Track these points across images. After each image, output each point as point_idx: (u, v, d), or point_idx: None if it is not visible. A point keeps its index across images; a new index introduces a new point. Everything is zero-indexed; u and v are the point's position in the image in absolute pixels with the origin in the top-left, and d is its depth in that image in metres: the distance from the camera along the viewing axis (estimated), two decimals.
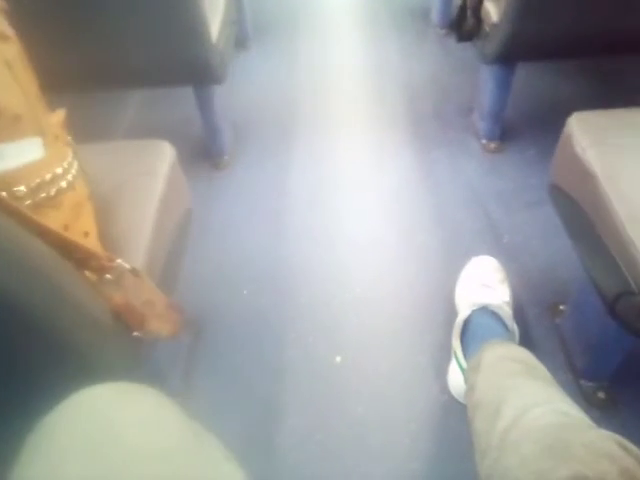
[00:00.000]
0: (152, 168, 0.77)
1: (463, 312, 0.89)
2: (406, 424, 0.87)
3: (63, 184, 0.60)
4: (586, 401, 0.87)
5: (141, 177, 0.75)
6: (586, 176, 0.70)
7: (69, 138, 0.67)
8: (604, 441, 0.44)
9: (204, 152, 1.41)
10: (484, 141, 1.36)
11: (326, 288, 1.08)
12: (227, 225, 1.24)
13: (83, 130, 0.80)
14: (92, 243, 0.63)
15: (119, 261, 0.58)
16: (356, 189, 1.30)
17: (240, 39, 1.84)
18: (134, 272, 0.59)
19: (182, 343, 0.99)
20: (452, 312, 0.98)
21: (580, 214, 0.73)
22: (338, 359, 0.97)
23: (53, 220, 0.58)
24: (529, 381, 0.64)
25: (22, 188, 0.54)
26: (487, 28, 1.17)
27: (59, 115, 0.66)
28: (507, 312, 0.88)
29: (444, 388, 0.91)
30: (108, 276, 0.59)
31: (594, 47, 1.13)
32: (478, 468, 0.56)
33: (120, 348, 0.62)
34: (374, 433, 0.87)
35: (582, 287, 0.84)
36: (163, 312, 0.60)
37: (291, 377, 0.95)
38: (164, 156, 0.79)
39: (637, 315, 0.63)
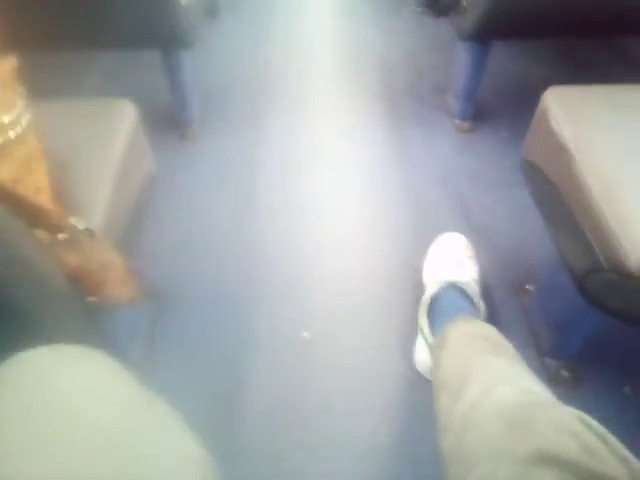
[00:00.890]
0: (113, 127, 0.72)
1: (431, 288, 0.89)
2: (372, 399, 0.86)
3: (10, 135, 0.55)
4: (550, 379, 0.88)
5: (101, 136, 0.71)
6: (560, 151, 0.69)
7: (21, 90, 0.62)
8: (566, 417, 0.43)
9: (172, 122, 1.35)
10: (457, 120, 1.36)
11: (295, 263, 1.06)
12: (195, 197, 1.20)
13: (45, 93, 0.75)
14: (45, 201, 0.58)
15: (72, 219, 0.54)
16: (328, 164, 1.28)
17: (211, 7, 1.78)
18: (89, 233, 0.55)
19: (145, 313, 0.96)
20: (420, 290, 0.97)
21: (553, 190, 0.73)
22: (306, 334, 0.95)
23: (1, 172, 0.54)
24: (495, 358, 0.63)
25: None
26: (465, 3, 1.15)
27: (9, 63, 0.61)
28: (474, 289, 0.87)
29: (411, 364, 0.90)
30: (61, 236, 0.55)
31: (570, 27, 1.12)
32: (440, 446, 0.55)
33: (74, 313, 0.58)
34: (339, 408, 0.85)
35: (551, 265, 0.84)
36: (121, 276, 0.57)
37: (257, 351, 0.93)
38: (125, 115, 0.75)
39: (607, 292, 0.63)
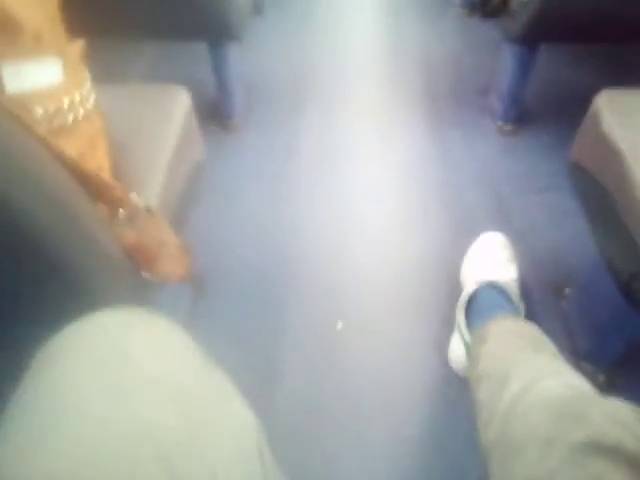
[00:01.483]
0: (168, 112, 0.75)
1: (470, 287, 0.89)
2: (403, 392, 0.87)
3: (80, 112, 0.58)
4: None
5: (157, 120, 0.74)
6: (611, 154, 0.69)
7: (87, 72, 0.65)
8: (618, 409, 0.43)
9: (216, 113, 1.38)
10: (500, 123, 1.35)
11: (331, 256, 1.07)
12: (234, 187, 1.22)
13: (96, 76, 0.78)
14: (107, 178, 0.61)
15: (133, 195, 0.56)
16: (367, 162, 1.29)
17: (257, 3, 1.81)
18: (148, 209, 0.57)
19: (185, 295, 0.98)
20: (457, 287, 0.97)
21: (601, 193, 0.72)
22: (340, 325, 0.96)
23: (69, 148, 0.57)
24: (536, 355, 0.63)
25: (40, 110, 0.52)
26: (514, 5, 1.14)
27: (78, 44, 0.63)
28: (514, 289, 0.87)
29: (444, 360, 0.90)
30: (122, 211, 0.57)
31: (619, 32, 1.11)
32: (481, 439, 0.56)
33: (128, 287, 0.60)
34: (371, 399, 0.86)
35: (592, 269, 0.83)
36: (175, 254, 0.59)
37: (291, 339, 0.94)
38: (180, 102, 0.78)
39: None
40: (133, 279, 0.60)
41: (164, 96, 0.79)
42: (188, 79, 1.46)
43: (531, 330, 0.72)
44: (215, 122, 1.38)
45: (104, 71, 1.11)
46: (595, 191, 0.74)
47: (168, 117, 0.75)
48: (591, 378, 0.86)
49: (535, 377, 0.54)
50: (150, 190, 0.66)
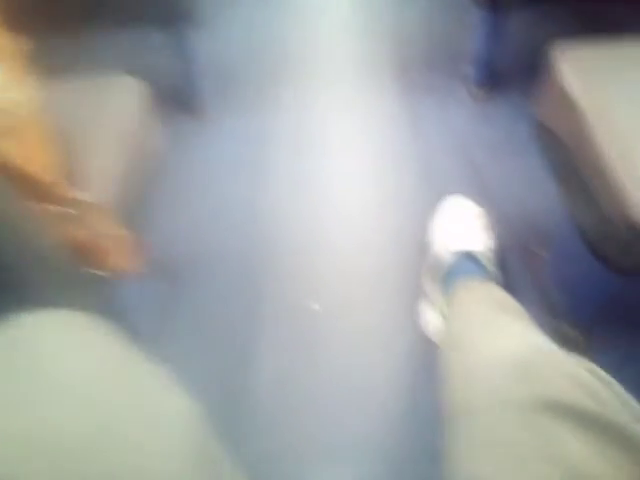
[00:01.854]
0: (121, 103, 0.73)
1: (444, 256, 0.88)
2: (381, 365, 0.87)
3: (22, 114, 0.56)
4: (564, 344, 0.86)
5: (110, 112, 0.72)
6: (571, 109, 0.67)
7: (31, 69, 0.63)
8: (573, 366, 0.43)
9: (184, 102, 1.36)
10: (473, 88, 1.32)
11: (305, 238, 1.06)
12: (206, 175, 1.20)
13: (55, 71, 0.76)
14: (52, 177, 0.60)
15: (80, 193, 0.55)
16: (340, 138, 1.27)
17: None
18: (94, 205, 0.56)
19: (157, 289, 0.98)
20: (433, 257, 0.96)
21: (565, 152, 0.71)
22: (316, 306, 0.96)
23: (12, 149, 0.55)
24: (502, 316, 0.63)
25: None
26: None
27: (23, 43, 0.62)
28: (489, 257, 0.87)
29: (419, 328, 0.90)
30: (70, 210, 0.56)
31: None
32: (445, 398, 0.55)
33: (78, 285, 0.59)
34: (350, 376, 0.86)
35: (564, 230, 0.82)
36: (126, 248, 0.58)
37: (268, 324, 0.94)
38: (134, 92, 0.76)
39: (619, 251, 0.62)
40: (83, 276, 0.59)
41: (117, 87, 0.77)
42: (155, 68, 1.45)
43: (500, 293, 0.71)
44: (184, 111, 1.35)
45: (65, 65, 1.09)
46: (559, 150, 0.73)
47: (121, 109, 0.73)
48: (569, 339, 0.86)
49: (498, 338, 0.54)
50: (103, 184, 0.64)
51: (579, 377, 0.39)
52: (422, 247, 0.99)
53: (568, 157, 0.70)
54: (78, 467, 0.29)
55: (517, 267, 0.97)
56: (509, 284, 0.93)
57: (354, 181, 1.17)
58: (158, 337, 0.92)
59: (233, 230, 1.09)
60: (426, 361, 0.86)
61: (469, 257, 0.87)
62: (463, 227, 0.95)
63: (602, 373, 0.41)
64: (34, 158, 0.59)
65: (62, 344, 0.34)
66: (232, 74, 1.46)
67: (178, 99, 1.36)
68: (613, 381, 0.40)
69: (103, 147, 0.68)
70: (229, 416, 0.84)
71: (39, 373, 0.32)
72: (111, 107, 0.73)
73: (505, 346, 0.50)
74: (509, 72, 1.37)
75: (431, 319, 0.85)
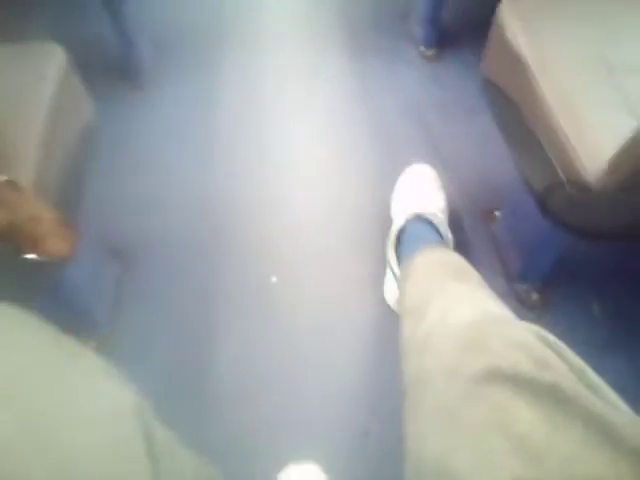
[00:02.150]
0: (39, 72, 0.67)
1: (397, 222, 0.86)
2: (343, 337, 0.86)
3: None
4: (520, 304, 0.87)
5: (27, 82, 0.66)
6: (516, 63, 0.65)
7: None
8: (519, 332, 0.42)
9: (121, 72, 1.28)
10: (422, 48, 1.29)
11: (259, 210, 1.03)
12: (150, 149, 1.14)
13: None
14: None
15: None
16: (286, 102, 1.22)
17: None
18: (11, 184, 0.51)
19: (109, 271, 0.93)
20: (389, 224, 0.95)
21: (512, 108, 0.70)
22: (274, 279, 0.93)
23: None
24: (456, 283, 0.62)
25: None
26: None
27: None
28: (441, 220, 0.85)
29: (381, 300, 0.89)
30: None
31: None
32: (403, 373, 0.54)
33: (9, 271, 0.55)
34: (313, 348, 0.85)
35: (516, 187, 0.82)
36: (53, 229, 0.53)
37: (226, 300, 0.91)
38: (54, 60, 0.69)
39: (566, 208, 0.61)
40: (13, 261, 0.55)
41: (34, 55, 0.70)
42: (91, 37, 1.36)
43: (455, 260, 0.70)
44: (123, 81, 1.27)
45: None
46: (507, 107, 0.71)
47: (40, 78, 0.67)
48: (525, 298, 0.87)
49: (450, 306, 0.53)
50: (23, 161, 0.59)
51: (528, 345, 0.38)
52: (385, 218, 0.97)
53: (515, 113, 0.69)
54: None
55: (471, 227, 0.96)
56: (463, 244, 0.92)
57: (305, 146, 1.13)
58: (113, 320, 0.88)
59: (183, 204, 1.04)
60: (388, 332, 0.86)
61: (421, 219, 0.86)
62: (415, 190, 0.94)
63: (552, 339, 0.40)
64: None
65: None
66: (174, 42, 1.38)
67: (116, 68, 1.28)
68: (564, 346, 0.40)
69: (21, 120, 0.63)
70: (191, 389, 0.81)
71: None
72: (28, 76, 0.67)
73: (457, 315, 0.49)
74: (457, 31, 1.34)
75: (393, 289, 0.84)
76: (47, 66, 0.68)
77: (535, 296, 0.87)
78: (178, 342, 0.87)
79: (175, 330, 0.89)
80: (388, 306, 0.88)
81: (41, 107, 0.64)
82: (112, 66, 1.28)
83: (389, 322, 0.87)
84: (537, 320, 0.82)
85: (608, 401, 0.35)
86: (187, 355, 0.86)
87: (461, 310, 0.50)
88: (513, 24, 0.67)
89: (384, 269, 0.90)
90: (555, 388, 0.33)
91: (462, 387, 0.39)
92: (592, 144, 0.55)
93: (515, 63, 0.66)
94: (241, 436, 0.78)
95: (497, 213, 0.96)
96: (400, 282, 0.74)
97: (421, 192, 0.92)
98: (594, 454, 0.29)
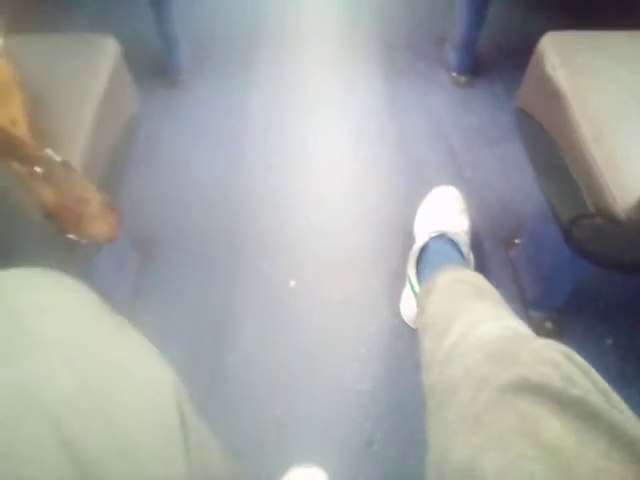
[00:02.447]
0: (93, 62, 0.70)
1: (420, 239, 0.88)
2: (356, 347, 0.87)
3: None
4: (535, 331, 0.87)
5: (81, 70, 0.69)
6: (554, 96, 0.67)
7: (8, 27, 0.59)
8: (549, 349, 0.43)
9: (161, 69, 1.32)
10: (455, 74, 1.32)
11: (283, 214, 1.05)
12: (182, 146, 1.17)
13: (31, 28, 0.72)
14: (21, 134, 0.57)
15: (48, 151, 0.53)
16: (319, 116, 1.25)
17: None
18: (65, 165, 0.53)
19: (130, 261, 0.95)
20: (409, 242, 0.96)
21: (545, 137, 0.71)
22: (292, 283, 0.95)
23: None
24: (479, 301, 0.63)
25: None
26: None
27: None
28: (464, 240, 0.87)
29: (396, 313, 0.90)
30: (38, 169, 0.53)
31: None
32: (423, 383, 0.56)
33: (52, 249, 0.57)
34: (324, 355, 0.86)
35: (538, 216, 0.84)
36: (99, 212, 0.56)
37: (243, 299, 0.93)
38: (107, 51, 0.72)
39: (592, 238, 0.63)
40: (57, 239, 0.57)
41: (90, 46, 0.73)
42: (133, 33, 1.40)
43: (476, 279, 0.72)
44: (162, 78, 1.31)
45: (41, 22, 1.03)
46: (539, 135, 0.73)
47: (94, 68, 0.70)
48: (539, 326, 0.88)
49: (475, 322, 0.54)
50: (73, 145, 0.62)
51: (557, 362, 0.39)
52: (406, 235, 0.99)
53: (547, 143, 0.70)
54: (58, 423, 0.28)
55: (491, 252, 0.98)
56: (481, 268, 0.94)
57: (333, 160, 1.16)
58: (130, 310, 0.90)
59: (206, 202, 1.07)
60: (400, 346, 0.87)
61: (443, 238, 0.87)
62: (439, 209, 0.96)
63: (579, 359, 0.42)
64: (3, 114, 0.56)
65: (42, 301, 0.33)
66: (213, 44, 1.42)
67: (157, 66, 1.32)
68: (590, 368, 0.41)
69: (74, 106, 0.65)
70: (204, 386, 0.83)
71: (21, 329, 0.31)
72: (83, 65, 0.70)
73: (485, 329, 0.50)
74: (490, 61, 1.37)
75: (411, 305, 0.85)
76: (102, 57, 0.71)
77: (549, 324, 0.88)
78: (192, 337, 0.89)
79: (189, 325, 0.90)
80: (402, 321, 0.89)
81: (94, 95, 0.67)
82: (152, 63, 1.32)
83: (402, 336, 0.88)
84: None
85: (631, 420, 0.36)
86: (200, 350, 0.87)
87: (488, 326, 0.51)
88: (553, 58, 0.70)
89: (401, 284, 0.92)
90: (583, 403, 0.35)
91: (490, 395, 0.40)
92: (624, 177, 0.57)
93: (552, 95, 0.68)
94: (248, 436, 0.79)
95: (517, 240, 0.98)
96: (421, 298, 0.75)
97: (446, 212, 0.93)
98: (620, 468, 0.31)
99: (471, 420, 0.39)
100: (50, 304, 0.34)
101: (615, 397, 0.39)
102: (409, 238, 0.98)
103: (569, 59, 0.69)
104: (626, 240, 0.59)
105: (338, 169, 1.14)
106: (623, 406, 0.38)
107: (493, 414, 0.39)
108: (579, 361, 0.42)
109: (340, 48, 1.43)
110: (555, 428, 0.34)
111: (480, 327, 0.52)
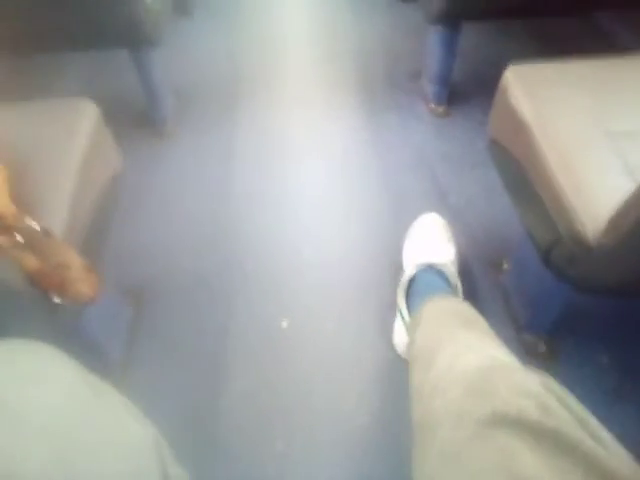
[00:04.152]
0: (72, 126, 0.72)
1: (408, 271, 0.89)
2: (352, 382, 0.87)
3: None
4: (528, 354, 0.88)
5: (60, 135, 0.71)
6: (520, 126, 0.69)
7: None
8: (526, 380, 0.44)
9: (147, 121, 1.35)
10: (432, 105, 1.35)
11: (272, 254, 1.06)
12: (170, 194, 1.20)
13: (15, 96, 0.75)
14: (1, 204, 0.58)
15: (28, 219, 0.54)
16: (303, 153, 1.28)
17: (183, 5, 1.77)
18: (45, 232, 0.55)
19: (123, 313, 0.96)
20: (399, 272, 0.97)
21: (516, 167, 0.73)
22: (284, 324, 0.96)
23: None
24: (465, 331, 0.64)
25: None
26: None
27: None
28: (451, 270, 0.88)
29: (390, 346, 0.90)
30: (19, 238, 0.55)
31: (538, 6, 1.12)
32: (412, 418, 0.56)
33: (38, 315, 0.58)
34: (320, 393, 0.86)
35: (522, 241, 0.84)
36: (80, 275, 0.57)
37: (237, 343, 0.93)
38: (86, 115, 0.75)
39: (567, 262, 0.63)
40: (42, 305, 0.58)
41: (68, 110, 0.76)
42: (118, 88, 1.44)
43: (463, 308, 0.73)
44: (147, 129, 1.34)
45: (26, 89, 1.06)
46: (511, 165, 0.75)
47: (72, 132, 0.72)
48: (532, 348, 0.88)
49: (458, 353, 0.55)
50: (55, 210, 0.63)
51: (533, 392, 0.40)
52: (395, 266, 1.00)
53: (518, 172, 0.72)
54: None
55: (479, 276, 0.99)
56: (471, 293, 0.94)
57: (318, 194, 1.18)
58: (126, 359, 0.91)
59: (197, 248, 1.08)
60: (396, 378, 0.87)
61: (431, 269, 0.88)
62: (426, 240, 0.97)
63: (557, 387, 0.42)
64: None
65: (22, 374, 0.34)
66: (195, 93, 1.46)
67: (142, 119, 1.35)
68: (568, 395, 0.41)
69: (54, 171, 0.67)
70: (201, 429, 0.82)
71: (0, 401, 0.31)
72: (61, 130, 0.72)
73: (465, 361, 0.51)
74: (466, 90, 1.40)
75: (402, 336, 0.85)
76: (80, 120, 0.74)
77: (542, 347, 0.88)
78: (187, 384, 0.89)
79: (184, 369, 0.91)
80: (396, 352, 0.89)
81: (73, 159, 0.69)
82: (137, 116, 1.35)
83: (397, 368, 0.88)
84: (544, 370, 0.83)
85: (609, 449, 0.36)
86: (196, 393, 0.87)
87: (469, 357, 0.52)
88: (517, 90, 0.72)
89: (393, 315, 0.92)
90: (557, 434, 0.35)
91: (469, 431, 0.40)
92: (591, 204, 0.58)
93: (518, 126, 0.70)
94: (247, 475, 0.78)
95: (505, 264, 0.98)
96: (410, 329, 0.75)
97: (432, 242, 0.95)
98: None
99: (450, 457, 0.40)
100: (29, 376, 0.35)
101: (593, 423, 0.39)
102: (398, 268, 0.99)
103: (532, 90, 0.72)
104: (600, 265, 0.59)
105: (324, 205, 1.15)
106: (603, 433, 0.39)
107: (471, 450, 0.39)
108: (556, 389, 0.42)
109: (319, 86, 1.47)
110: (529, 462, 0.34)
111: (462, 358, 0.53)
